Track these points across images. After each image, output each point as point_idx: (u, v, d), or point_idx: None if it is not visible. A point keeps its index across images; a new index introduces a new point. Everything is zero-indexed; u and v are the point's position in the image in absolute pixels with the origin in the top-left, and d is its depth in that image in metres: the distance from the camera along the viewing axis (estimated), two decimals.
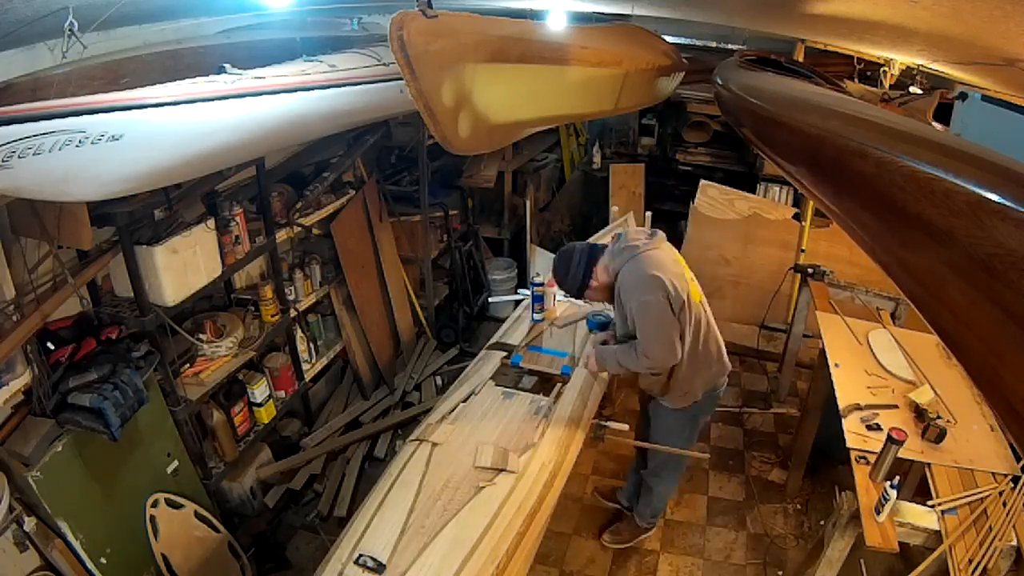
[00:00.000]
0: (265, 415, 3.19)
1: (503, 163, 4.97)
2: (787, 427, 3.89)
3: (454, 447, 2.14)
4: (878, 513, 2.00)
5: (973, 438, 2.34)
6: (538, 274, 3.10)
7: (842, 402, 2.51)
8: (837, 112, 1.27)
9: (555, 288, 3.18)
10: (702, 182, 4.86)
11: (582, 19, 3.49)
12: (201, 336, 2.83)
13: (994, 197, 0.67)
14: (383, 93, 2.58)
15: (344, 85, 2.41)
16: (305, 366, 3.56)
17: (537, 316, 2.98)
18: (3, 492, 2.02)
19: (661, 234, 2.37)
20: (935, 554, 1.95)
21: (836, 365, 2.73)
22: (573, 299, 3.05)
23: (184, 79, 1.93)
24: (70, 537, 2.19)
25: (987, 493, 2.10)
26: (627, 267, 2.27)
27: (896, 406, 2.48)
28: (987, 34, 1.48)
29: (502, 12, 2.73)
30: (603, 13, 3.50)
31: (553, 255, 4.99)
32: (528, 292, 3.36)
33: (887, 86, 3.17)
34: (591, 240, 3.96)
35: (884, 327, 3.04)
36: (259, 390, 3.10)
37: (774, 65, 2.95)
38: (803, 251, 4.47)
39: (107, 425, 2.15)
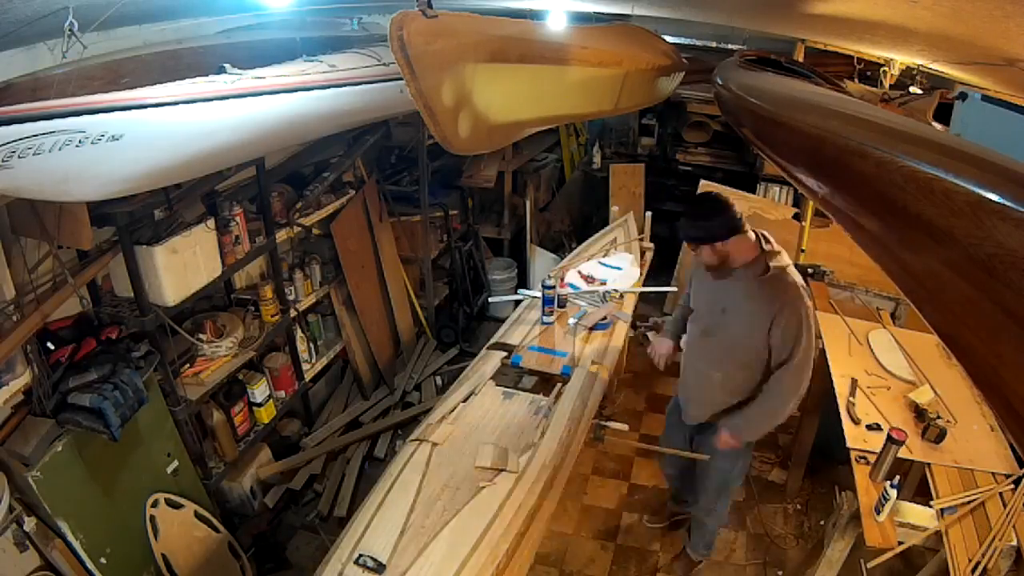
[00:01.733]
0: (265, 415, 3.19)
1: (503, 163, 4.97)
2: (787, 427, 3.87)
3: (454, 447, 2.14)
4: (878, 513, 2.00)
5: (973, 438, 2.34)
6: (549, 276, 3.09)
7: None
8: (837, 112, 1.27)
9: (567, 290, 3.19)
10: (702, 182, 4.86)
11: (582, 19, 3.49)
12: (201, 336, 2.83)
13: (994, 197, 0.67)
14: (383, 93, 2.58)
15: (344, 85, 2.41)
16: (305, 366, 3.56)
17: (547, 319, 2.98)
18: (3, 492, 2.02)
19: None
20: (936, 555, 1.95)
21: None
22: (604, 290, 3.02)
23: (184, 79, 1.93)
24: (70, 537, 2.19)
25: (987, 493, 2.10)
26: (787, 270, 2.16)
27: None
28: (987, 34, 1.48)
29: (502, 12, 2.73)
30: (603, 13, 3.50)
31: (553, 255, 5.04)
32: (528, 292, 3.37)
33: (887, 86, 3.17)
34: (592, 240, 4.00)
35: (884, 327, 3.04)
36: (259, 390, 3.10)
37: (774, 65, 2.95)
38: (803, 251, 4.47)
39: (107, 425, 2.14)
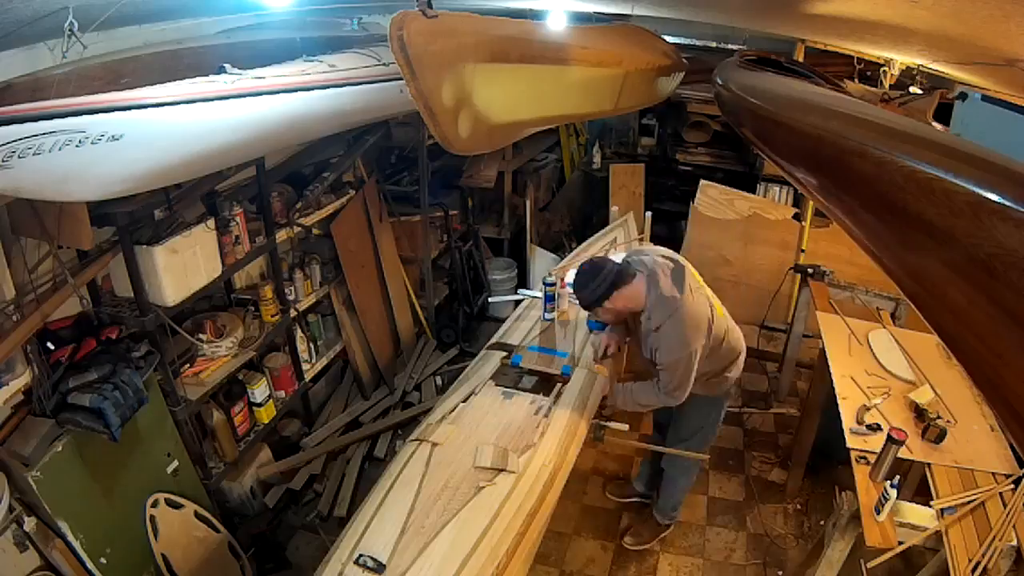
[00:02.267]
0: (265, 415, 3.18)
1: (503, 163, 4.98)
2: (787, 427, 3.89)
3: (454, 447, 2.14)
4: (878, 513, 2.00)
5: (973, 438, 2.34)
6: (550, 274, 3.09)
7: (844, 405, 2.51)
8: (837, 112, 1.27)
9: (567, 289, 3.18)
10: (702, 182, 4.86)
11: (582, 19, 3.49)
12: (201, 336, 2.83)
13: (994, 197, 0.67)
14: (383, 93, 2.58)
15: (344, 85, 2.41)
16: (305, 366, 3.56)
17: (548, 315, 2.98)
18: (3, 492, 2.02)
19: (680, 261, 2.41)
20: (936, 555, 1.95)
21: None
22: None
23: (184, 79, 1.93)
24: (70, 537, 2.19)
25: (987, 493, 2.10)
26: (671, 320, 2.28)
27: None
28: (987, 34, 1.48)
29: (502, 12, 2.74)
30: (603, 13, 3.50)
31: (553, 255, 5.04)
32: (528, 292, 3.37)
33: (887, 86, 3.18)
34: (592, 240, 3.99)
35: (884, 327, 3.04)
36: (259, 390, 3.10)
37: (774, 65, 2.95)
38: (803, 251, 4.48)
39: (107, 425, 2.14)
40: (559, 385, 2.52)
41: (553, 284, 2.98)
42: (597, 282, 2.29)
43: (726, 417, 3.50)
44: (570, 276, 3.34)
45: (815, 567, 2.33)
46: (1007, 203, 0.66)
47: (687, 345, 2.27)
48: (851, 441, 2.32)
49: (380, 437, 3.71)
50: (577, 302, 2.42)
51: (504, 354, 2.72)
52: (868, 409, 2.47)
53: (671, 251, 2.52)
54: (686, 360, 2.29)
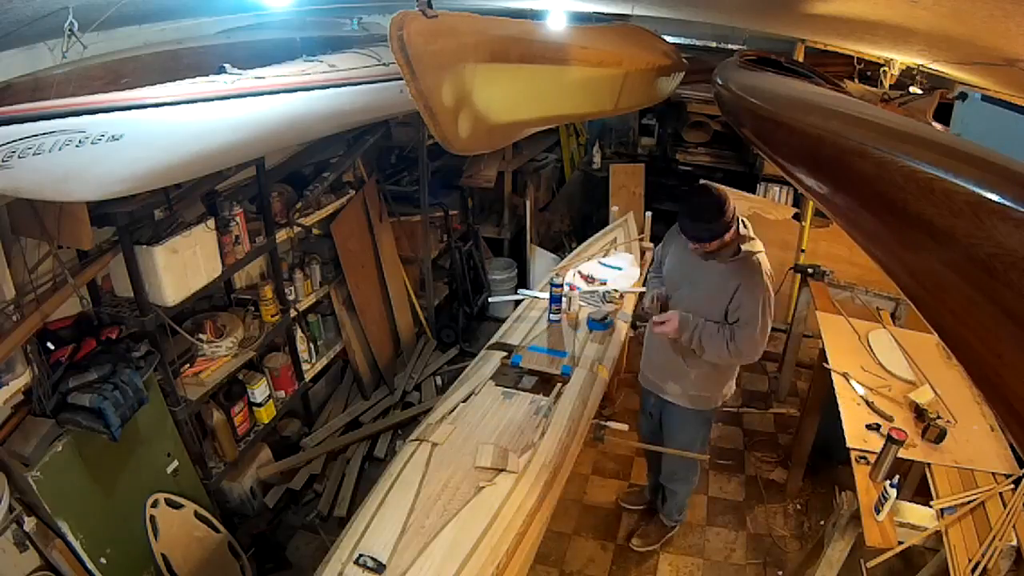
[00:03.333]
0: (265, 415, 3.18)
1: (503, 163, 4.98)
2: (787, 427, 3.89)
3: (454, 447, 2.14)
4: (878, 513, 2.00)
5: (973, 438, 2.34)
6: (557, 275, 3.09)
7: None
8: (837, 112, 1.27)
9: (575, 292, 3.19)
10: (702, 182, 4.85)
11: (582, 19, 3.49)
12: (201, 336, 2.83)
13: (994, 197, 0.67)
14: (383, 93, 2.58)
15: (344, 85, 2.40)
16: (305, 366, 3.56)
17: (554, 317, 2.98)
18: (3, 492, 2.02)
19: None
20: (936, 555, 1.95)
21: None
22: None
23: (184, 79, 1.93)
24: (70, 537, 2.19)
25: (987, 493, 2.10)
26: (757, 257, 2.32)
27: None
28: (987, 34, 1.48)
29: (502, 12, 2.73)
30: (603, 13, 3.50)
31: (553, 255, 5.04)
32: (528, 292, 3.36)
33: (887, 86, 3.17)
34: (592, 240, 3.99)
35: (884, 327, 3.04)
36: (259, 390, 3.10)
37: (774, 65, 2.94)
38: (803, 251, 4.48)
39: (107, 425, 2.14)
40: (559, 385, 2.52)
41: (560, 286, 2.98)
42: (727, 216, 2.26)
43: (726, 417, 3.52)
44: (570, 276, 3.36)
45: (815, 567, 2.33)
46: (1007, 203, 0.66)
47: (767, 285, 2.29)
48: (851, 441, 2.32)
49: (380, 437, 3.72)
50: (691, 235, 2.33)
51: (504, 354, 2.72)
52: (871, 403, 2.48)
53: None
54: (764, 302, 2.29)
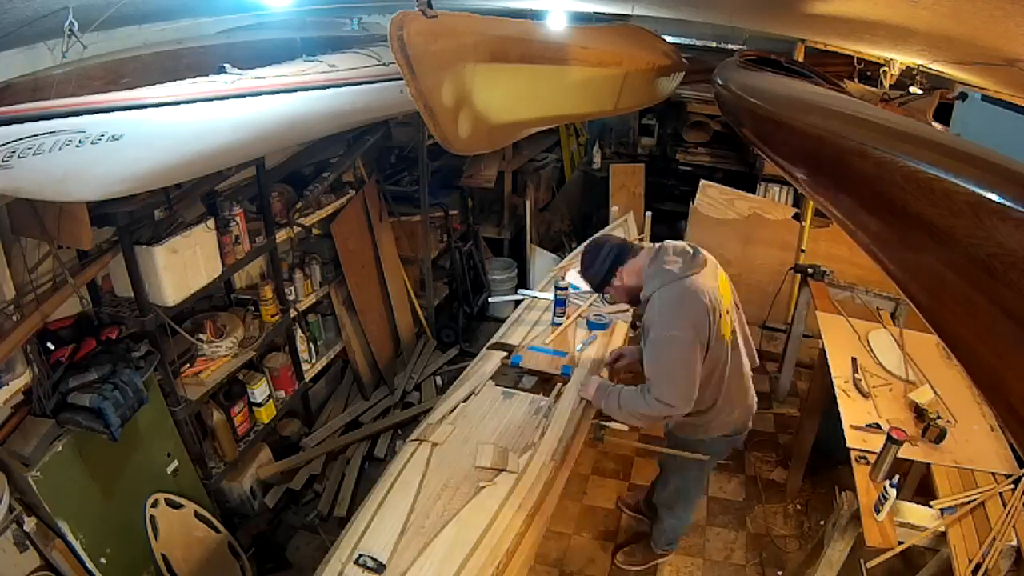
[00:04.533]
0: (265, 415, 3.18)
1: (503, 163, 4.98)
2: (787, 427, 3.89)
3: (454, 447, 2.14)
4: (878, 513, 2.00)
5: (973, 438, 2.34)
6: (563, 278, 3.09)
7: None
8: (837, 112, 1.27)
9: (579, 292, 3.18)
10: (702, 182, 4.86)
11: (582, 19, 3.49)
12: (201, 336, 2.83)
13: (994, 197, 0.67)
14: (383, 93, 2.58)
15: (344, 85, 2.41)
16: (305, 366, 3.56)
17: (558, 320, 2.98)
18: (3, 492, 2.02)
19: (704, 255, 2.18)
20: (936, 555, 1.95)
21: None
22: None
23: (184, 79, 1.93)
24: (70, 537, 2.19)
25: (987, 493, 2.10)
26: (660, 293, 2.09)
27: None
28: (987, 34, 1.48)
29: (502, 12, 2.74)
30: (603, 13, 3.50)
31: (553, 255, 5.04)
32: (529, 292, 3.36)
33: (887, 86, 3.18)
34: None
35: (884, 327, 3.04)
36: (259, 390, 3.10)
37: (774, 65, 2.95)
38: (803, 251, 4.47)
39: (107, 425, 2.14)
40: (559, 385, 2.52)
41: (565, 289, 2.98)
42: (600, 260, 2.22)
43: None
44: (570, 276, 3.36)
45: (815, 567, 2.33)
46: (1007, 203, 0.66)
47: (670, 325, 2.03)
48: (851, 441, 2.32)
49: (380, 437, 3.72)
50: (581, 287, 2.32)
51: (504, 354, 2.72)
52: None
53: (704, 250, 2.27)
54: (666, 344, 2.04)
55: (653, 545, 2.96)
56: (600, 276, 2.24)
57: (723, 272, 2.27)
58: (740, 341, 2.30)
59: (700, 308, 2.04)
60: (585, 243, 2.34)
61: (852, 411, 2.47)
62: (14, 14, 1.41)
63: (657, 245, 2.21)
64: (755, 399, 2.44)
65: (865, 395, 2.46)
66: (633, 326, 3.27)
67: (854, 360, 2.72)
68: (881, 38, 2.44)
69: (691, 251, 2.17)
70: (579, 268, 2.33)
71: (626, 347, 2.60)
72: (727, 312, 2.17)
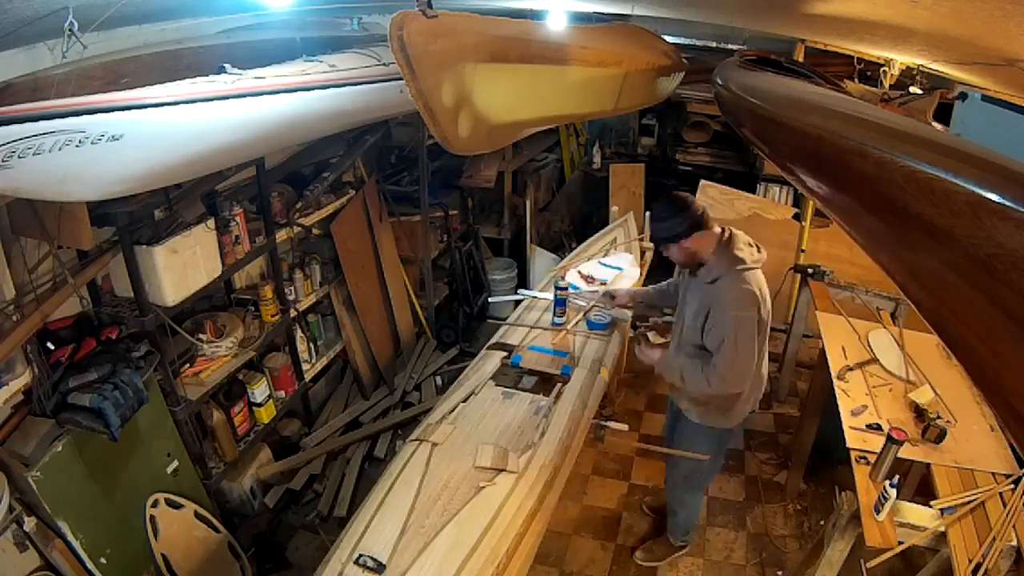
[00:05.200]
0: (265, 415, 3.19)
1: (503, 163, 4.98)
2: (787, 427, 3.89)
3: (454, 447, 2.14)
4: (878, 513, 2.00)
5: (973, 438, 2.34)
6: (563, 278, 3.09)
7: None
8: (837, 112, 1.27)
9: (580, 290, 3.18)
10: (702, 182, 4.86)
11: (582, 19, 3.49)
12: (201, 336, 2.83)
13: (994, 197, 0.67)
14: (383, 93, 2.58)
15: (344, 85, 2.41)
16: (305, 366, 3.56)
17: (558, 320, 2.98)
18: (3, 492, 2.02)
19: (764, 252, 2.28)
20: (936, 555, 1.95)
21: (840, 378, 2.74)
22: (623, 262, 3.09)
23: (184, 79, 1.93)
24: (70, 537, 2.19)
25: (987, 493, 2.10)
26: (731, 275, 2.17)
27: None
28: (987, 34, 1.48)
29: (502, 12, 2.73)
30: (603, 13, 3.50)
31: (553, 255, 5.04)
32: (528, 292, 3.36)
33: (887, 86, 3.17)
34: (592, 240, 4.00)
35: (884, 327, 3.04)
36: (259, 390, 3.10)
37: (774, 65, 2.94)
38: (803, 251, 4.47)
39: (107, 425, 2.14)
40: (559, 385, 2.52)
41: (565, 289, 2.98)
42: (682, 217, 2.18)
43: None
44: (570, 276, 3.36)
45: (815, 567, 2.33)
46: (1007, 203, 0.66)
47: (744, 306, 2.12)
48: (851, 441, 2.32)
49: (380, 437, 3.72)
50: (651, 237, 2.32)
51: (504, 354, 2.72)
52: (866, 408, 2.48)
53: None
54: (739, 324, 2.13)
55: (671, 538, 2.99)
56: (676, 230, 2.20)
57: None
58: (765, 348, 2.37)
59: (765, 297, 2.19)
60: (665, 194, 2.32)
61: (851, 410, 2.47)
62: (14, 14, 1.41)
63: (727, 229, 2.28)
64: (764, 384, 2.53)
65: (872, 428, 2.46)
66: (633, 326, 3.27)
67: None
68: (881, 38, 2.44)
69: (755, 246, 2.28)
70: (652, 216, 2.31)
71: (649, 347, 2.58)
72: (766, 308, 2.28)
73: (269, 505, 3.21)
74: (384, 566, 1.68)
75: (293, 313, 3.38)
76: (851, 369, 2.68)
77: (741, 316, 2.14)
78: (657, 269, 3.91)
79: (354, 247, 3.90)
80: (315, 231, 3.64)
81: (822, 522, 3.07)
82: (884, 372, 2.72)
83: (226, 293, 3.20)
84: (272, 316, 3.16)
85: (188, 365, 2.76)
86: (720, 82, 2.70)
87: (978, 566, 1.85)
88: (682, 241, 2.22)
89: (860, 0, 1.72)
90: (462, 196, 4.93)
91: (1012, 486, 2.11)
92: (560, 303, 2.97)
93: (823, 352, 2.95)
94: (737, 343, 2.16)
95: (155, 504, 2.54)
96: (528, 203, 5.07)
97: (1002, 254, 0.65)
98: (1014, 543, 1.92)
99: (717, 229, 2.26)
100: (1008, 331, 0.68)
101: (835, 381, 2.64)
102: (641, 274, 3.57)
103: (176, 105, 1.73)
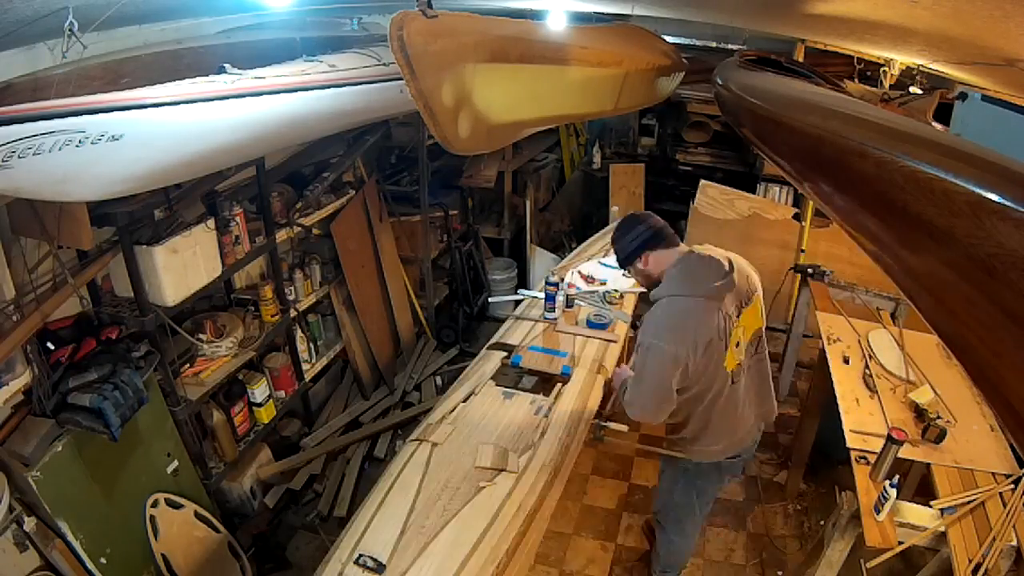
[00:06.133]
0: (265, 415, 3.18)
1: (503, 163, 4.98)
2: (787, 427, 3.89)
3: (454, 447, 2.14)
4: (878, 513, 2.00)
5: (973, 438, 2.34)
6: (552, 273, 3.10)
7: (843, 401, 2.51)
8: (837, 112, 1.27)
9: (574, 290, 3.19)
10: (702, 182, 4.86)
11: (582, 19, 3.49)
12: (201, 336, 2.83)
13: (994, 197, 0.67)
14: (383, 93, 2.58)
15: (344, 85, 2.41)
16: (305, 366, 3.56)
17: (550, 315, 2.99)
18: (3, 492, 2.02)
19: (736, 278, 2.06)
20: (936, 555, 1.95)
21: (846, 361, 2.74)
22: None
23: (184, 79, 1.93)
24: (70, 537, 2.19)
25: (987, 493, 2.10)
26: (667, 301, 2.02)
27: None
28: (987, 34, 1.48)
29: (502, 12, 2.73)
30: (603, 13, 3.50)
31: (553, 255, 5.04)
32: (528, 292, 3.37)
33: (887, 86, 3.18)
34: (592, 240, 3.99)
35: (884, 327, 3.04)
36: (259, 390, 3.10)
37: (774, 65, 2.94)
38: (803, 251, 4.48)
39: (107, 425, 2.15)
40: (559, 385, 2.52)
41: (555, 284, 2.99)
42: (633, 235, 2.08)
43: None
44: (570, 276, 3.36)
45: (815, 567, 2.33)
46: (1007, 203, 0.66)
47: (657, 336, 1.96)
48: (851, 441, 2.32)
49: (380, 437, 3.72)
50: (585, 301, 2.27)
51: (504, 354, 2.72)
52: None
53: (747, 263, 2.22)
54: (647, 352, 1.97)
55: (653, 566, 2.82)
56: (626, 252, 2.11)
57: (760, 301, 2.20)
58: (747, 379, 2.19)
59: (700, 332, 1.97)
60: (629, 213, 2.22)
61: (852, 411, 2.47)
62: (14, 14, 1.41)
63: (693, 249, 2.12)
64: (754, 437, 2.34)
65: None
66: (633, 326, 3.27)
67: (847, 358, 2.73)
68: (881, 38, 2.44)
69: (725, 269, 2.05)
70: (612, 236, 2.20)
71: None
72: (736, 345, 2.08)
73: (269, 505, 3.21)
74: (384, 566, 1.68)
75: (293, 313, 3.38)
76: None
77: (651, 344, 1.97)
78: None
79: (354, 247, 3.90)
80: (315, 231, 3.64)
81: (822, 522, 3.07)
82: (884, 372, 2.72)
83: (226, 293, 3.20)
84: (272, 316, 3.16)
85: (188, 365, 2.76)
86: (720, 82, 2.70)
87: (978, 566, 1.85)
88: (636, 262, 2.10)
89: (860, 0, 1.72)
90: (462, 196, 4.93)
91: (1012, 486, 2.11)
92: (551, 298, 2.98)
93: (823, 352, 2.95)
94: (644, 370, 2.01)
95: (155, 504, 2.54)
96: (528, 203, 5.07)
97: (1002, 254, 0.65)
98: (1014, 543, 1.92)
99: (682, 248, 2.10)
100: (1008, 331, 0.68)
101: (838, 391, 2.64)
102: None
103: (176, 105, 1.73)
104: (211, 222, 2.64)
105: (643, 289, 3.27)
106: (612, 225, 4.12)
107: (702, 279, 2.02)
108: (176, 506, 2.64)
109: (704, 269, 2.04)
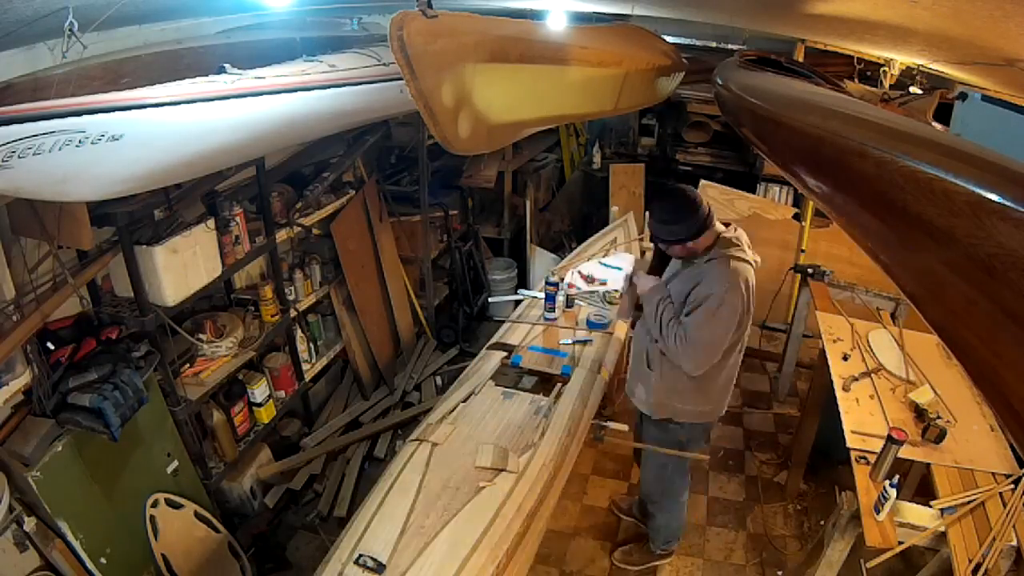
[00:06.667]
0: (265, 415, 3.19)
1: (503, 163, 4.98)
2: (787, 427, 3.89)
3: (454, 447, 2.14)
4: (878, 513, 2.00)
5: (973, 438, 2.34)
6: (552, 274, 3.10)
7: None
8: (837, 112, 1.27)
9: (575, 290, 3.18)
10: (702, 182, 4.86)
11: (582, 19, 3.49)
12: (201, 336, 2.83)
13: (994, 197, 0.67)
14: (383, 93, 2.58)
15: (344, 85, 2.40)
16: (305, 366, 3.56)
17: (550, 315, 2.99)
18: (3, 492, 2.02)
19: (759, 258, 2.28)
20: (936, 555, 1.95)
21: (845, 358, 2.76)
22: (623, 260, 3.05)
23: (184, 79, 1.93)
24: (70, 537, 2.19)
25: (987, 493, 2.09)
26: (732, 262, 2.15)
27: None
28: (987, 34, 1.48)
29: (502, 12, 2.73)
30: (603, 13, 3.50)
31: (553, 255, 5.04)
32: (528, 292, 3.37)
33: (887, 86, 3.17)
34: (592, 240, 3.99)
35: (884, 327, 3.04)
36: (259, 390, 3.10)
37: (774, 65, 2.94)
38: (803, 251, 4.47)
39: (107, 425, 2.15)
40: (559, 385, 2.52)
41: (555, 284, 2.99)
42: (690, 222, 2.15)
43: (727, 417, 3.48)
44: (570, 276, 3.36)
45: (815, 567, 2.33)
46: (1007, 203, 0.66)
47: (733, 293, 2.09)
48: (851, 441, 2.32)
49: (380, 437, 3.72)
50: (655, 236, 2.27)
51: (504, 354, 2.72)
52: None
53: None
54: (720, 307, 2.10)
55: (651, 545, 2.93)
56: (681, 235, 2.18)
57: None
58: (740, 349, 2.37)
59: (748, 298, 2.17)
60: (670, 189, 2.27)
61: (855, 414, 2.47)
62: (14, 14, 1.41)
63: (734, 226, 2.29)
64: (726, 404, 2.51)
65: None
66: (633, 326, 3.28)
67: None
68: (881, 38, 2.44)
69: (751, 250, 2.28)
70: (661, 217, 2.24)
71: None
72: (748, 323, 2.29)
73: (269, 505, 3.21)
74: (384, 566, 1.68)
75: (293, 313, 3.38)
76: (856, 379, 2.65)
77: (726, 298, 2.11)
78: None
79: (354, 247, 3.90)
80: (315, 231, 3.64)
81: (822, 522, 3.07)
82: (884, 372, 2.72)
83: (226, 293, 3.20)
84: (272, 316, 3.16)
85: (188, 365, 2.76)
86: (720, 82, 2.70)
87: (978, 566, 1.85)
88: (698, 237, 2.20)
89: (860, 0, 1.72)
90: (462, 196, 4.93)
91: (1012, 486, 2.11)
92: (551, 298, 2.98)
93: (823, 352, 2.95)
94: (712, 321, 2.12)
95: (155, 504, 2.54)
96: (528, 203, 5.07)
97: (1002, 254, 0.64)
98: (1014, 543, 1.92)
99: (720, 227, 2.25)
100: (1008, 331, 0.68)
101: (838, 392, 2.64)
102: None
103: (176, 105, 1.73)
104: (211, 222, 2.64)
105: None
106: (612, 225, 4.14)
107: (747, 247, 2.23)
108: (176, 506, 2.64)
109: (747, 245, 2.24)
